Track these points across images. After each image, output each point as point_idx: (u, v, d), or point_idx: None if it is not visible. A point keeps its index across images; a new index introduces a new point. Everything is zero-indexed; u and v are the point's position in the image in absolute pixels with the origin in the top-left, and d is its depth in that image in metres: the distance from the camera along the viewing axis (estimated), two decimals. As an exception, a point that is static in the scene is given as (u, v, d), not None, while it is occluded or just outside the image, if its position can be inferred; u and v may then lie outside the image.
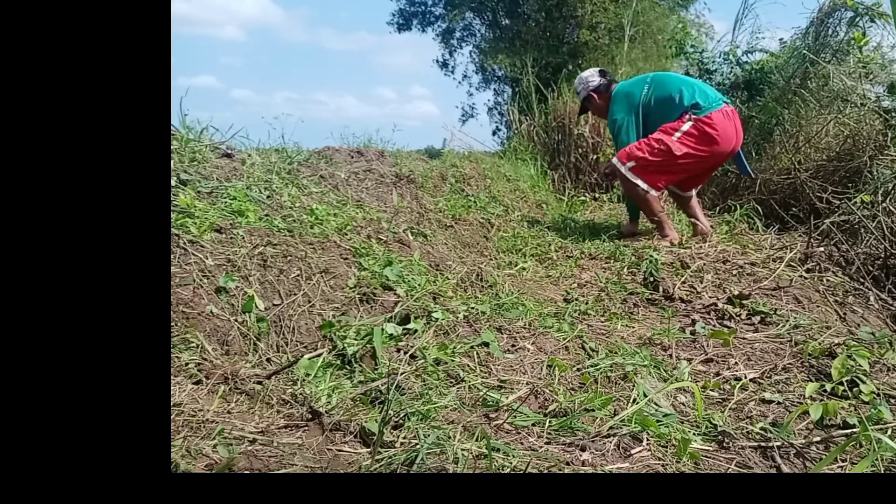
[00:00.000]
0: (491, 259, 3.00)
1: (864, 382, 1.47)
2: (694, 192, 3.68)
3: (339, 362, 1.57)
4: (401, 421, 1.25)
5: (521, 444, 1.20)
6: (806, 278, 2.52)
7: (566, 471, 1.08)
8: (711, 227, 3.57)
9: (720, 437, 1.27)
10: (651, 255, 2.78)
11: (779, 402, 1.46)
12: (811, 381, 1.55)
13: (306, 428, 1.24)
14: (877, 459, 1.12)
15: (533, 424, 1.29)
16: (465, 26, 13.27)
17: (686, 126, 3.20)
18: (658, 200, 3.43)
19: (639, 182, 3.30)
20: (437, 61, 14.17)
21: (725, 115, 3.21)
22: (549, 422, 1.29)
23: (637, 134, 3.43)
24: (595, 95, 3.68)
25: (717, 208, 4.32)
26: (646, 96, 3.41)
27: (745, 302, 2.20)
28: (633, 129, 3.45)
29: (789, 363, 1.68)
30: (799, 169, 3.93)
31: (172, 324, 1.48)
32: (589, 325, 2.00)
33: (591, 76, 3.72)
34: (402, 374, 1.44)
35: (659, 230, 3.44)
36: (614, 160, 3.37)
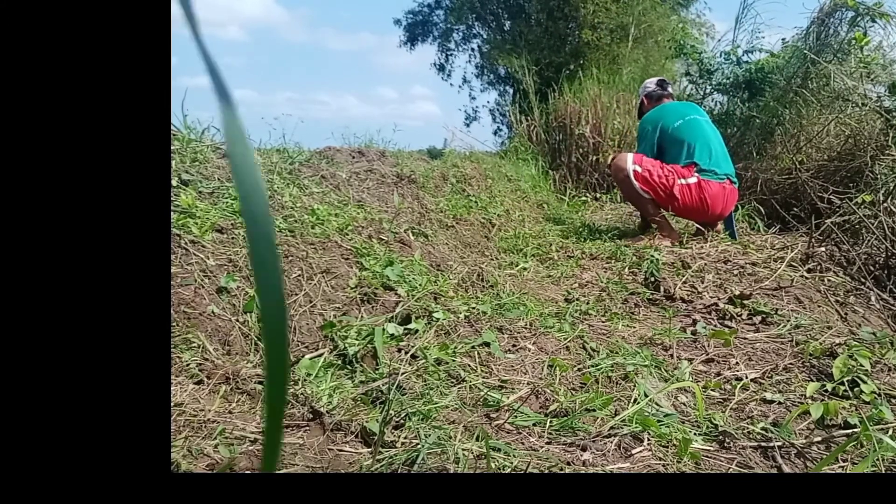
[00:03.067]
0: (492, 259, 3.00)
1: (865, 382, 1.47)
2: None
3: (340, 362, 1.57)
4: (402, 421, 1.25)
5: (522, 443, 1.20)
6: (807, 278, 2.52)
7: (567, 471, 1.08)
8: (717, 231, 3.59)
9: (721, 437, 1.27)
10: (652, 255, 2.78)
11: (780, 402, 1.46)
12: (812, 380, 1.55)
13: (307, 428, 1.24)
14: (877, 459, 1.12)
15: (534, 424, 1.29)
16: (465, 28, 13.32)
17: (691, 180, 3.38)
18: (654, 202, 3.47)
19: (636, 184, 3.44)
20: (435, 65, 14.25)
21: (723, 190, 3.41)
22: (550, 422, 1.29)
23: (650, 151, 3.58)
24: (645, 100, 3.91)
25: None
26: (673, 128, 3.55)
27: (746, 302, 2.20)
28: (650, 143, 3.60)
29: (790, 363, 1.68)
30: (800, 169, 3.92)
31: (174, 324, 1.48)
32: (590, 325, 2.00)
33: (650, 83, 3.99)
34: (403, 374, 1.44)
35: (660, 230, 3.47)
36: (629, 155, 3.53)
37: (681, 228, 3.60)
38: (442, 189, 3.75)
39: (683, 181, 3.37)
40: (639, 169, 3.44)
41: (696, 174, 3.37)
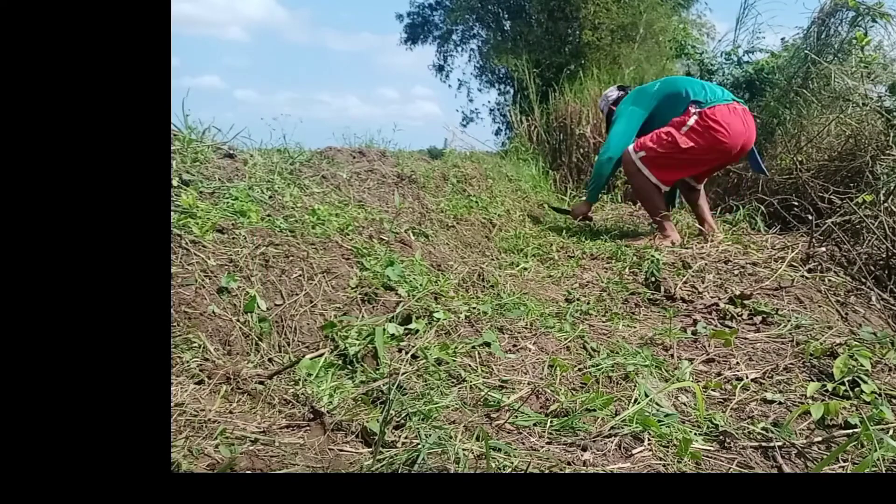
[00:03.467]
0: (492, 259, 3.00)
1: (865, 382, 1.47)
2: (702, 187, 3.68)
3: (340, 362, 1.57)
4: (402, 421, 1.25)
5: (523, 443, 1.20)
6: (808, 278, 2.52)
7: (567, 471, 1.08)
8: (719, 232, 3.57)
9: (721, 437, 1.27)
10: (652, 255, 2.78)
11: (780, 402, 1.45)
12: (813, 380, 1.55)
13: (308, 428, 1.24)
14: (878, 460, 1.12)
15: (534, 424, 1.29)
16: (465, 29, 13.34)
17: (691, 120, 3.19)
18: (662, 200, 3.44)
19: (648, 174, 3.31)
20: (434, 65, 14.28)
21: (732, 111, 3.18)
22: (551, 422, 1.29)
23: (636, 125, 3.47)
24: (613, 107, 3.78)
25: (719, 208, 4.32)
26: (655, 91, 3.46)
27: (746, 302, 2.20)
28: (634, 119, 3.48)
29: (791, 363, 1.68)
30: (801, 169, 3.92)
31: (174, 324, 1.48)
32: (590, 325, 2.00)
33: (611, 92, 3.88)
34: (403, 374, 1.44)
35: (660, 230, 3.45)
36: (629, 147, 3.40)
37: (681, 230, 3.60)
38: (442, 189, 3.75)
39: (685, 128, 3.19)
40: (643, 154, 3.30)
41: (695, 111, 3.18)
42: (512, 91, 11.82)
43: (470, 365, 1.57)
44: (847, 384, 1.49)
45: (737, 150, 3.28)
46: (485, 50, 12.52)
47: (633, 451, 1.17)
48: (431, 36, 14.00)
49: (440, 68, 14.27)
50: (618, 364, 1.61)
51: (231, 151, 2.61)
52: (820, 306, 2.25)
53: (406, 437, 1.18)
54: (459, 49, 13.86)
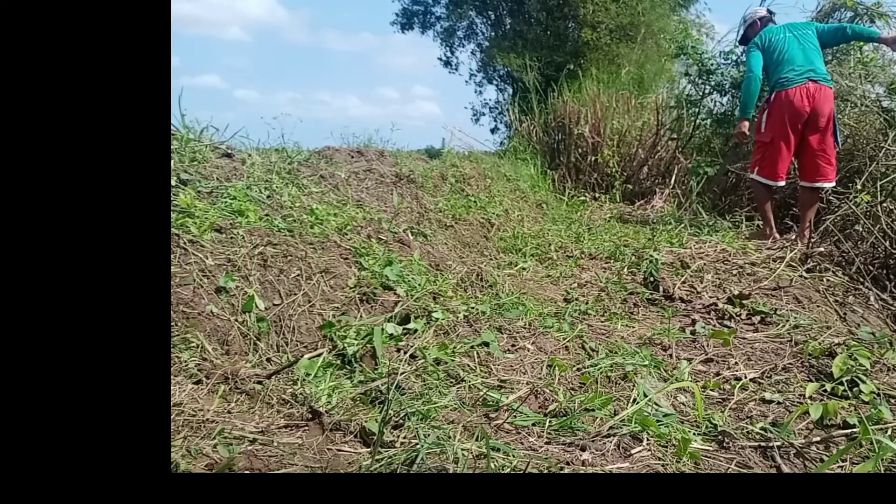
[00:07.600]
0: (491, 259, 3.00)
1: (864, 382, 1.47)
2: (821, 184, 3.42)
3: (339, 362, 1.57)
4: (401, 421, 1.25)
5: (522, 443, 1.20)
6: (806, 278, 2.52)
7: (566, 471, 1.08)
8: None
9: (720, 436, 1.27)
10: (651, 255, 2.78)
11: (779, 402, 1.46)
12: (811, 380, 1.55)
13: (306, 428, 1.24)
14: (878, 460, 1.12)
15: (533, 424, 1.29)
16: (467, 25, 13.30)
17: (766, 111, 3.46)
18: (768, 200, 3.54)
19: (759, 179, 3.54)
20: (441, 59, 14.21)
21: (788, 94, 3.32)
22: (550, 422, 1.29)
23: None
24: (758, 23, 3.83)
25: (717, 208, 4.33)
26: (764, 52, 3.53)
27: (745, 302, 2.20)
28: (751, 87, 3.59)
29: (789, 363, 1.68)
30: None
31: (173, 323, 1.48)
32: (589, 325, 2.00)
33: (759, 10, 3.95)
34: (402, 373, 1.44)
35: (762, 224, 3.58)
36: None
37: (681, 231, 3.59)
38: (441, 189, 3.75)
39: (763, 122, 3.47)
40: (757, 167, 3.55)
41: (767, 102, 3.45)
42: (511, 90, 11.80)
43: (468, 365, 1.57)
44: (846, 384, 1.49)
45: (802, 119, 3.35)
46: (485, 47, 12.50)
47: (632, 451, 1.17)
48: (433, 31, 13.94)
49: (447, 62, 14.21)
50: (616, 364, 1.61)
51: (229, 151, 2.61)
52: (818, 306, 2.25)
53: (405, 437, 1.18)
54: (464, 43, 13.80)
